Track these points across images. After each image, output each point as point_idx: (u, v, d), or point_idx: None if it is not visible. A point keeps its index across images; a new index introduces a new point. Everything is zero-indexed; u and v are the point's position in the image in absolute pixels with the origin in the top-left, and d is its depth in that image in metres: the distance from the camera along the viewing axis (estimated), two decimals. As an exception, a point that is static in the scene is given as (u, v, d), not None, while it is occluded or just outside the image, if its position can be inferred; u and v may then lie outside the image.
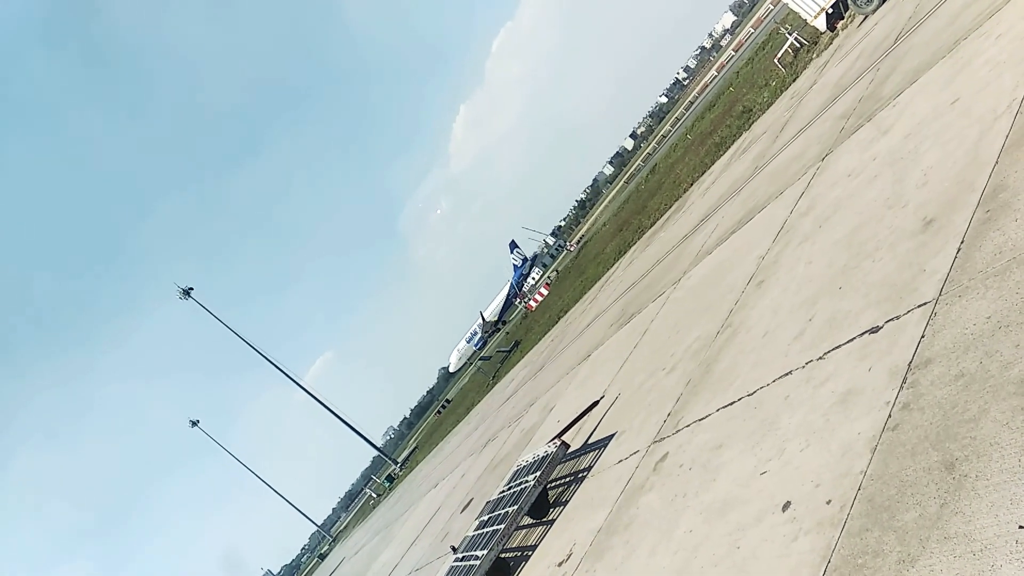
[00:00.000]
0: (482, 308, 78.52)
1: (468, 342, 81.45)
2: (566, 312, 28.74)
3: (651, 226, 23.16)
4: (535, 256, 79.56)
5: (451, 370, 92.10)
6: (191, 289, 61.03)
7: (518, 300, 74.92)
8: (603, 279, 25.37)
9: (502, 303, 74.55)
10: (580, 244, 73.47)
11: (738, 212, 11.25)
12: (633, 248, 23.59)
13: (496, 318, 74.20)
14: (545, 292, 58.27)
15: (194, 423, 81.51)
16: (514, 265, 77.13)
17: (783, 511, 3.92)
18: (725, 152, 19.36)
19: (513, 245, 77.72)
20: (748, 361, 6.05)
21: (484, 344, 75.07)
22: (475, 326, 79.30)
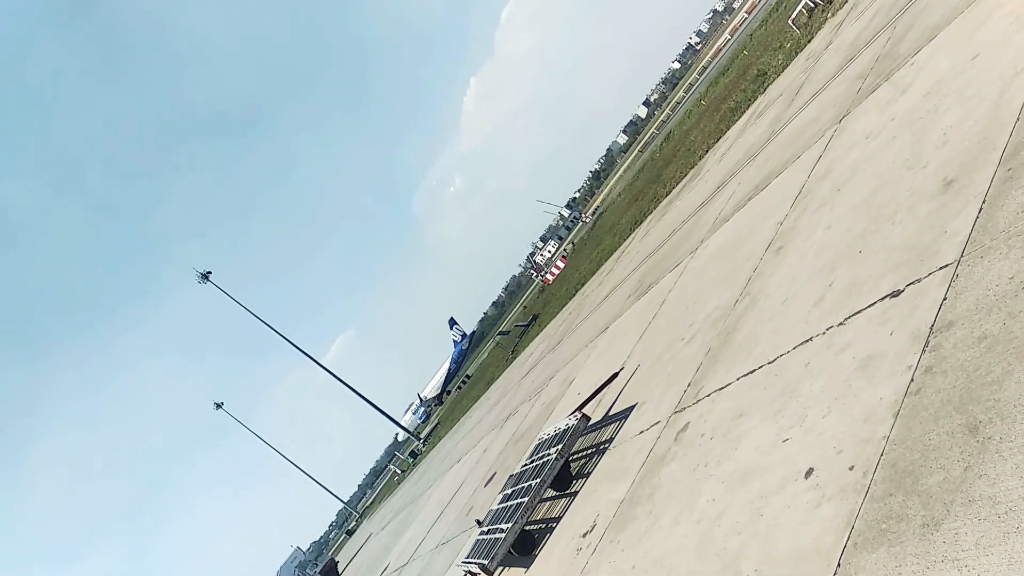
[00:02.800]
0: (419, 390, 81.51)
1: (414, 414, 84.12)
2: (583, 285, 28.70)
3: (667, 195, 22.97)
4: (473, 332, 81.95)
5: (399, 440, 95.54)
6: (209, 273, 61.24)
7: (535, 275, 75.68)
8: (619, 250, 25.27)
9: (443, 379, 76.11)
10: (595, 215, 73.22)
11: (755, 178, 11.13)
12: (649, 218, 23.43)
13: (439, 391, 76.13)
14: (561, 265, 58.24)
15: (218, 405, 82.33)
16: (454, 341, 78.57)
17: (806, 478, 3.92)
18: (740, 117, 19.10)
19: (452, 322, 79.05)
20: (768, 329, 6.02)
21: (428, 415, 77.81)
22: (417, 401, 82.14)
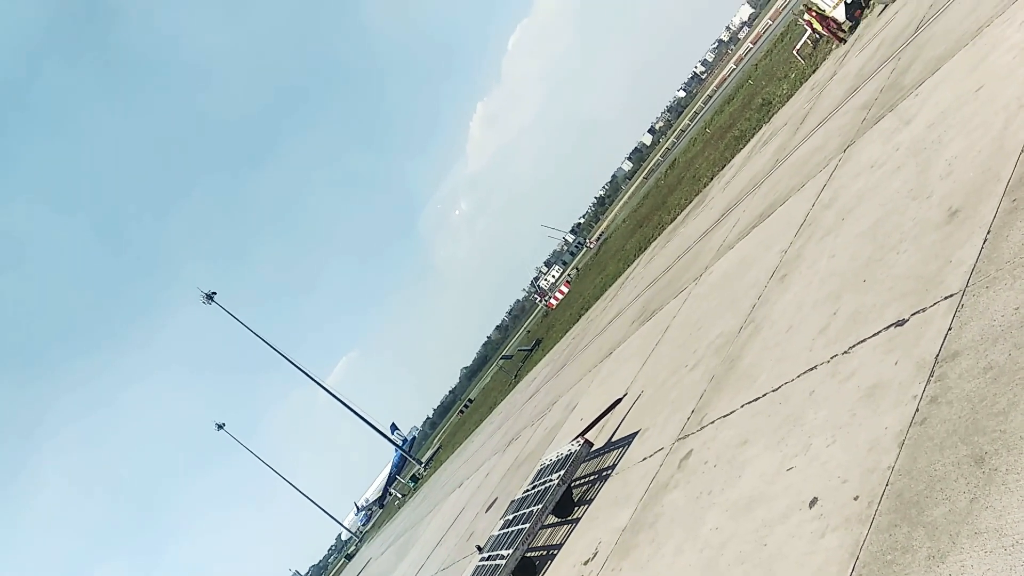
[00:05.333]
0: (356, 499, 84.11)
1: (356, 515, 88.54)
2: (587, 309, 28.67)
3: (671, 221, 23.03)
4: (414, 438, 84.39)
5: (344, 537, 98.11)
6: (214, 294, 61.54)
7: (539, 299, 76.13)
8: (624, 276, 25.28)
9: (384, 483, 77.72)
10: (600, 241, 73.40)
11: (759, 206, 11.16)
12: (653, 244, 23.47)
13: (380, 494, 77.96)
14: (566, 290, 58.26)
15: (220, 426, 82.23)
16: (395, 445, 79.61)
17: (810, 507, 3.89)
18: (745, 145, 19.21)
19: (393, 427, 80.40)
20: (772, 356, 6.01)
21: (369, 518, 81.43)
22: (355, 509, 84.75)
